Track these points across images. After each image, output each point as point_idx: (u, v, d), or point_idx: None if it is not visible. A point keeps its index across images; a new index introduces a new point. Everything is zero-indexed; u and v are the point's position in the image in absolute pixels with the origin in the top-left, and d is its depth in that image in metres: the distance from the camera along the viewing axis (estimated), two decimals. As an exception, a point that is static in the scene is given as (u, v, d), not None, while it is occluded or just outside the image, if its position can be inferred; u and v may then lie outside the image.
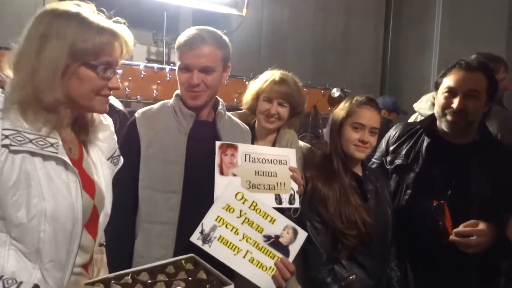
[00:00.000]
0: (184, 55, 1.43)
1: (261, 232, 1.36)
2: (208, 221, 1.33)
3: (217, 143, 1.44)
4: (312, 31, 4.17)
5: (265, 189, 1.47)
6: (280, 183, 1.50)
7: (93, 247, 1.18)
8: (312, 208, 1.56)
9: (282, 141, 1.78)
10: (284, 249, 1.36)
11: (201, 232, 1.32)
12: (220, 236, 1.33)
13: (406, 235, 1.66)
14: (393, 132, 1.89)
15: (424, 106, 2.24)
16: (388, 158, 1.85)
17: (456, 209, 1.56)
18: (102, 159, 1.22)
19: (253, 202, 1.37)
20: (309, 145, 1.99)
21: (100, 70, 1.05)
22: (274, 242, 1.36)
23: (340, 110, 1.63)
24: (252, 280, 1.30)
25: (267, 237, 1.35)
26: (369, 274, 1.55)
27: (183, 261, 1.20)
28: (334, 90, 3.78)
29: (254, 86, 1.83)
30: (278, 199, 1.48)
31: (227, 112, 1.60)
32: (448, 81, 1.65)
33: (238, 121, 1.66)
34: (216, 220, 1.34)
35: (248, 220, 1.36)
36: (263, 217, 1.37)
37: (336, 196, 1.54)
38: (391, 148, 1.85)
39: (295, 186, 1.52)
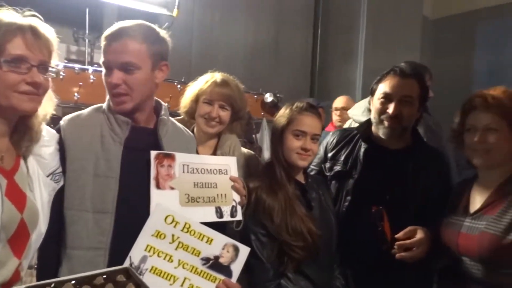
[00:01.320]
0: (104, 51, 1.26)
1: (198, 255, 1.25)
2: (136, 253, 1.19)
3: (152, 153, 1.29)
4: (244, 36, 4.14)
5: (205, 202, 1.36)
6: (221, 195, 1.40)
7: (14, 266, 1.05)
8: (256, 220, 1.49)
9: (224, 147, 1.69)
10: (225, 270, 1.27)
11: (130, 265, 1.17)
12: (152, 267, 1.19)
13: (347, 241, 1.66)
14: (331, 139, 1.89)
15: (358, 112, 2.30)
16: (327, 165, 1.84)
17: (394, 214, 1.59)
18: (41, 175, 1.12)
19: (186, 224, 1.25)
20: (252, 152, 1.92)
21: (5, 66, 1.00)
22: (214, 264, 1.26)
23: (281, 117, 1.58)
24: None
25: (206, 260, 1.25)
26: (316, 285, 1.51)
27: (115, 273, 1.08)
28: (267, 95, 3.78)
29: (193, 88, 1.71)
30: (219, 212, 1.38)
31: (170, 118, 1.45)
32: (384, 87, 1.68)
33: (182, 127, 1.52)
34: (145, 250, 1.20)
35: (183, 244, 1.24)
36: (198, 238, 1.26)
37: (281, 206, 1.48)
38: (329, 155, 1.85)
39: (237, 197, 1.44)
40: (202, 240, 1.26)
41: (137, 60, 1.24)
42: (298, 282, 1.49)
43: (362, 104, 2.30)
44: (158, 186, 1.28)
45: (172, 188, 1.30)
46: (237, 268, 1.28)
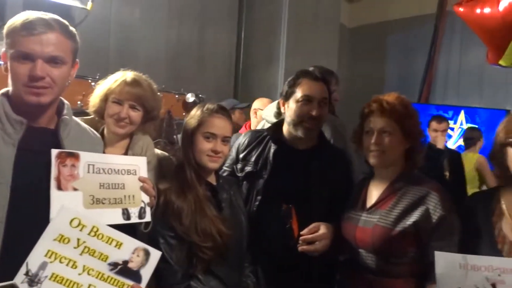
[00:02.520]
0: (22, 40, 1.16)
1: (105, 260, 1.18)
2: (35, 259, 1.10)
3: (53, 152, 1.21)
4: (167, 34, 4.07)
5: (111, 203, 1.31)
6: (129, 196, 1.36)
7: None
8: (165, 223, 1.47)
9: (136, 148, 1.63)
10: (134, 275, 1.22)
11: (27, 273, 1.08)
12: (53, 274, 1.11)
13: (258, 240, 1.71)
14: (242, 140, 1.93)
15: (270, 113, 2.37)
16: (239, 166, 1.87)
17: (302, 212, 1.67)
18: None
19: (94, 227, 1.18)
20: (166, 154, 1.89)
21: None
22: (122, 269, 1.20)
23: (191, 119, 1.58)
24: None
25: (113, 265, 1.19)
26: (226, 285, 1.53)
27: None
28: (189, 95, 3.76)
29: (102, 87, 1.63)
30: (126, 214, 1.34)
31: (73, 117, 1.37)
32: (304, 90, 1.75)
33: (87, 127, 1.45)
34: (46, 255, 1.11)
35: (89, 249, 1.17)
36: (107, 242, 1.19)
37: (191, 207, 1.48)
38: (241, 156, 1.88)
39: (146, 198, 1.41)
40: (110, 244, 1.20)
41: (65, 55, 1.22)
42: (208, 283, 1.50)
43: (275, 105, 2.38)
44: (59, 187, 1.21)
45: (75, 189, 1.24)
46: (147, 273, 1.24)
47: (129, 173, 1.39)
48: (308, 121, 1.74)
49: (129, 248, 1.22)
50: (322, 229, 1.60)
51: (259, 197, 1.77)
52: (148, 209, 1.40)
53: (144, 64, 3.70)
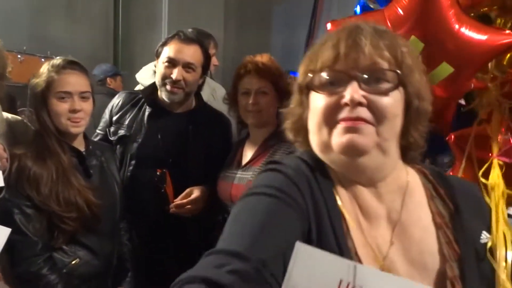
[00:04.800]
0: None
1: None
2: None
3: None
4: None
5: None
6: None
7: None
8: (19, 191, 1.32)
9: None
10: None
11: None
12: None
13: (133, 205, 1.66)
14: (116, 101, 1.83)
15: (145, 75, 2.25)
16: (112, 129, 1.78)
17: (177, 176, 1.66)
18: None
19: None
20: (20, 118, 1.67)
21: None
22: None
23: (38, 80, 1.40)
24: None
25: None
26: (97, 255, 1.45)
27: None
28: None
29: None
30: None
31: None
32: (168, 51, 1.68)
33: None
34: None
35: None
36: None
37: (51, 175, 1.35)
38: (114, 118, 1.79)
39: None
40: None
41: None
42: (75, 253, 1.40)
43: (149, 67, 2.27)
44: None
45: None
46: None
47: None
48: (169, 84, 1.68)
49: None
50: (195, 193, 1.62)
51: (133, 162, 1.72)
52: (0, 173, 1.25)
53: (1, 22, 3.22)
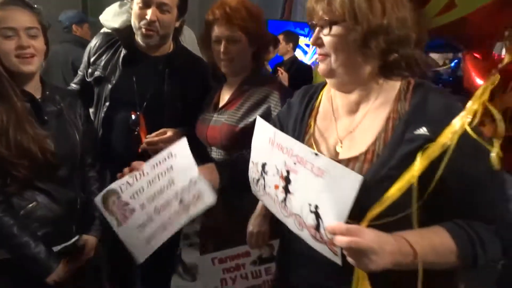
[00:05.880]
0: None
1: None
2: None
3: None
4: None
5: None
6: None
7: None
8: None
9: None
10: None
11: None
12: None
13: (106, 145, 1.67)
14: (94, 42, 1.81)
15: (108, 17, 2.15)
16: (89, 70, 1.76)
17: (152, 120, 1.65)
18: None
19: None
20: None
21: None
22: None
23: None
24: None
25: None
26: (56, 199, 1.42)
27: None
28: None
29: None
30: None
31: None
32: None
33: None
34: None
35: None
36: None
37: (1, 119, 1.29)
38: (92, 59, 1.77)
39: None
40: None
41: None
42: (33, 197, 1.38)
43: (112, 8, 2.16)
44: None
45: None
46: None
47: None
48: (144, 26, 1.63)
49: None
50: (169, 133, 1.62)
51: (107, 103, 1.71)
52: None
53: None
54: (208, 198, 1.18)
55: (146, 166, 1.11)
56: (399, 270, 0.82)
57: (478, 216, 0.87)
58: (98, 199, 1.08)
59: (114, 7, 2.12)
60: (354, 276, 0.86)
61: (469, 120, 0.82)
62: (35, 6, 1.40)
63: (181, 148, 1.15)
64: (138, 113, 1.64)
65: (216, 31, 1.52)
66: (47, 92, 1.46)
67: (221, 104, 1.61)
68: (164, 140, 1.58)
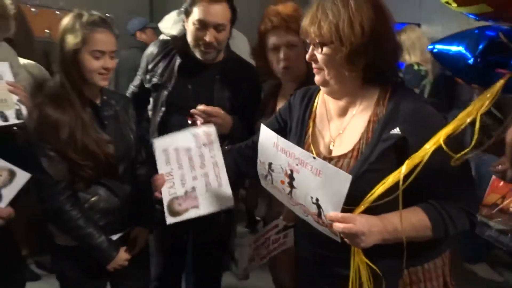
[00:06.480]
0: None
1: None
2: None
3: None
4: None
5: None
6: (1, 100, 1.35)
7: None
8: (42, 137, 1.43)
9: None
10: None
11: None
12: None
13: None
14: (151, 49, 1.91)
15: (167, 25, 2.27)
16: (147, 77, 1.87)
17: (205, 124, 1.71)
18: None
19: None
20: (33, 62, 1.86)
21: None
22: None
23: (69, 34, 1.43)
24: None
25: None
26: (115, 193, 1.56)
27: None
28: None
29: None
30: (3, 117, 1.35)
31: None
32: (198, 13, 1.68)
33: None
34: None
35: None
36: None
37: (70, 125, 1.44)
38: (149, 66, 1.87)
39: (19, 100, 1.41)
40: None
41: None
42: (96, 192, 1.52)
43: (171, 16, 2.28)
44: None
45: None
46: (9, 193, 1.24)
47: None
48: (203, 45, 1.71)
49: None
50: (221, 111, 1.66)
51: (163, 108, 1.81)
52: (24, 110, 1.40)
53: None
54: (210, 127, 1.45)
55: (162, 169, 1.37)
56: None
57: (449, 197, 1.07)
58: (169, 219, 1.31)
59: (173, 14, 2.24)
60: (352, 248, 1.05)
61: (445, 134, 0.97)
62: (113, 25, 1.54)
63: (162, 143, 1.43)
64: (194, 119, 1.70)
65: (274, 39, 1.58)
66: (105, 97, 1.60)
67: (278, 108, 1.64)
68: (217, 113, 1.61)
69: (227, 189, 1.34)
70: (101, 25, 1.46)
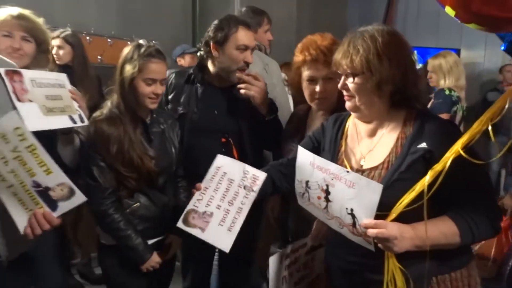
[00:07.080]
0: None
1: (31, 177, 1.24)
2: None
3: (1, 70, 1.30)
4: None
5: (60, 111, 1.45)
6: (67, 106, 1.50)
7: None
8: (95, 149, 1.62)
9: None
10: (52, 203, 1.28)
11: None
12: None
13: (192, 170, 1.85)
14: (169, 81, 2.00)
15: None
16: (169, 106, 1.99)
17: (236, 141, 1.91)
18: None
19: (32, 145, 1.22)
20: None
21: None
22: (42, 192, 1.26)
23: (128, 64, 1.61)
24: (9, 209, 1.25)
25: (36, 184, 1.25)
26: (154, 202, 1.73)
27: None
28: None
29: None
30: (72, 120, 1.49)
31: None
32: (242, 39, 1.85)
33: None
34: None
35: (21, 159, 1.23)
36: (38, 164, 1.24)
37: (120, 140, 1.61)
38: (170, 97, 1.99)
39: (79, 106, 1.55)
40: (41, 167, 1.25)
41: None
42: (138, 199, 1.70)
43: None
44: (18, 99, 1.31)
45: (30, 101, 1.34)
46: (64, 207, 1.30)
47: (60, 86, 1.51)
48: (241, 67, 1.88)
49: (55, 179, 1.27)
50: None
51: (191, 133, 1.92)
52: (83, 114, 1.56)
53: (94, 9, 3.70)
54: (261, 174, 1.45)
55: (205, 182, 1.43)
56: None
57: (473, 205, 1.15)
58: (180, 223, 1.39)
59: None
60: (386, 254, 1.14)
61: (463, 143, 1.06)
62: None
63: (222, 161, 1.49)
64: (229, 138, 1.89)
65: (312, 71, 1.63)
66: (154, 115, 1.77)
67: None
68: (257, 83, 1.83)
69: (232, 236, 1.36)
70: (156, 56, 1.62)
